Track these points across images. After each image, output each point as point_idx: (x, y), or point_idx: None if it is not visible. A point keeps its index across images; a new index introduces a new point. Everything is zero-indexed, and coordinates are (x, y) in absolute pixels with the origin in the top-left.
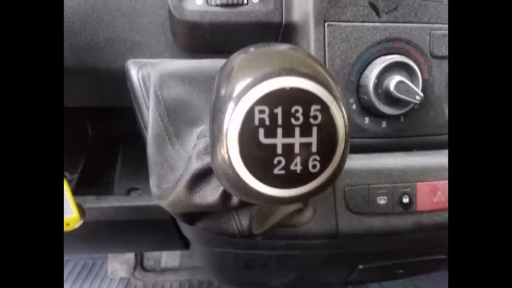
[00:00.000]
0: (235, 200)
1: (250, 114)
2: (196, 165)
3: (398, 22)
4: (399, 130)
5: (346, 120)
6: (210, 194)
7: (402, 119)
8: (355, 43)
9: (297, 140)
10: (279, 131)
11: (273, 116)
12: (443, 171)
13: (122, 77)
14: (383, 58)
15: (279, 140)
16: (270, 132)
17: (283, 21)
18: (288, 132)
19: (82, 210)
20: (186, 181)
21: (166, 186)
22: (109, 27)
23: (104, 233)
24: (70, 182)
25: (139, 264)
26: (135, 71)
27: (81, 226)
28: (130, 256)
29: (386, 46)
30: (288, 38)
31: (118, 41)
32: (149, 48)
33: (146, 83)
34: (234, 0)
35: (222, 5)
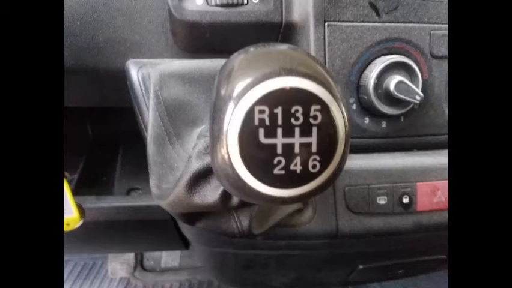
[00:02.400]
0: (235, 200)
1: (250, 114)
2: (196, 165)
3: (398, 22)
4: (399, 130)
5: (346, 120)
6: (210, 194)
7: (402, 119)
8: (355, 43)
9: (297, 140)
10: (279, 131)
11: (273, 116)
12: (443, 171)
13: (122, 77)
14: (383, 58)
15: (279, 140)
16: (270, 132)
17: (283, 21)
18: (288, 132)
19: (82, 210)
20: (186, 181)
21: (166, 186)
22: (109, 27)
23: (104, 233)
24: (70, 182)
25: (139, 264)
26: (135, 71)
27: (81, 226)
28: (130, 256)
29: (386, 46)
30: (288, 38)
31: (118, 41)
32: (149, 48)
33: (146, 83)
34: (234, 0)
35: (222, 5)
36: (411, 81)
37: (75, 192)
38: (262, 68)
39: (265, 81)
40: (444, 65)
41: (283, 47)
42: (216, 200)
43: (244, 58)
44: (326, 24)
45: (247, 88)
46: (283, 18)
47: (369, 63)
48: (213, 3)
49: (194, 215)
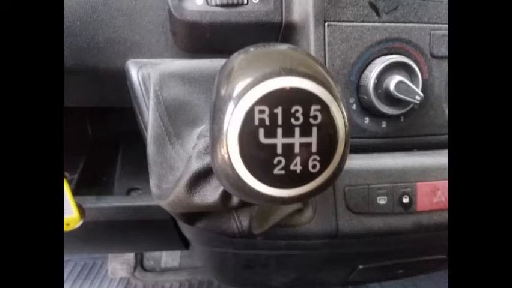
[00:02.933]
0: (235, 200)
1: (250, 114)
2: (196, 165)
3: (398, 22)
4: (399, 130)
5: (346, 120)
6: (210, 194)
7: (402, 119)
8: (355, 43)
9: (297, 140)
10: (279, 131)
11: (273, 116)
12: (443, 171)
13: (122, 77)
14: (383, 58)
15: (279, 140)
16: (270, 132)
17: (283, 21)
18: (288, 132)
19: (82, 210)
20: (186, 181)
21: (166, 186)
22: (109, 27)
23: (104, 233)
24: (70, 182)
25: (139, 264)
26: (135, 71)
27: (81, 226)
28: (130, 256)
29: (386, 46)
30: (288, 38)
31: (118, 41)
32: (149, 48)
33: (146, 83)
34: (234, 0)
35: (222, 5)
36: (411, 81)
37: (75, 192)
38: (262, 68)
39: (265, 81)
40: (444, 65)
41: (283, 47)
42: (216, 200)
43: (244, 58)
44: (326, 24)
45: (247, 88)
46: (283, 18)
47: (369, 63)
48: (213, 3)
49: (194, 215)
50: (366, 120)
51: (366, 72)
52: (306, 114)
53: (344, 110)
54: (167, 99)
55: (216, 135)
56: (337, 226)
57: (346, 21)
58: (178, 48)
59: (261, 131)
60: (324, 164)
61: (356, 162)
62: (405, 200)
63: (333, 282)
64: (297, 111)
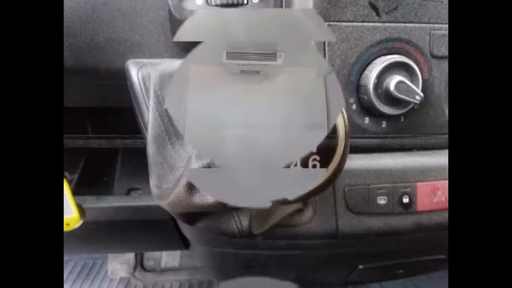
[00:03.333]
0: None
1: None
2: (196, 165)
3: (398, 22)
4: (399, 130)
5: (346, 120)
6: None
7: (402, 119)
8: (355, 43)
9: None
10: None
11: None
12: (443, 171)
13: (122, 77)
14: (383, 58)
15: None
16: None
17: None
18: None
19: (82, 210)
20: (186, 181)
21: (166, 186)
22: (109, 27)
23: (104, 233)
24: (70, 182)
25: (139, 264)
26: (135, 71)
27: (81, 226)
28: (130, 256)
29: (386, 46)
30: None
31: (118, 41)
32: (149, 48)
33: (146, 83)
34: (234, 0)
35: (222, 5)
36: (411, 81)
37: (75, 192)
38: None
39: None
40: (444, 65)
41: None
42: (216, 200)
43: None
44: (326, 24)
45: None
46: None
47: (369, 63)
48: (213, 3)
49: (194, 215)
50: (366, 120)
51: (366, 72)
52: None
53: (343, 110)
54: None
55: None
56: (337, 226)
57: (346, 21)
58: (178, 48)
59: None
60: (324, 164)
61: (356, 162)
62: (405, 200)
63: (333, 282)
64: None
